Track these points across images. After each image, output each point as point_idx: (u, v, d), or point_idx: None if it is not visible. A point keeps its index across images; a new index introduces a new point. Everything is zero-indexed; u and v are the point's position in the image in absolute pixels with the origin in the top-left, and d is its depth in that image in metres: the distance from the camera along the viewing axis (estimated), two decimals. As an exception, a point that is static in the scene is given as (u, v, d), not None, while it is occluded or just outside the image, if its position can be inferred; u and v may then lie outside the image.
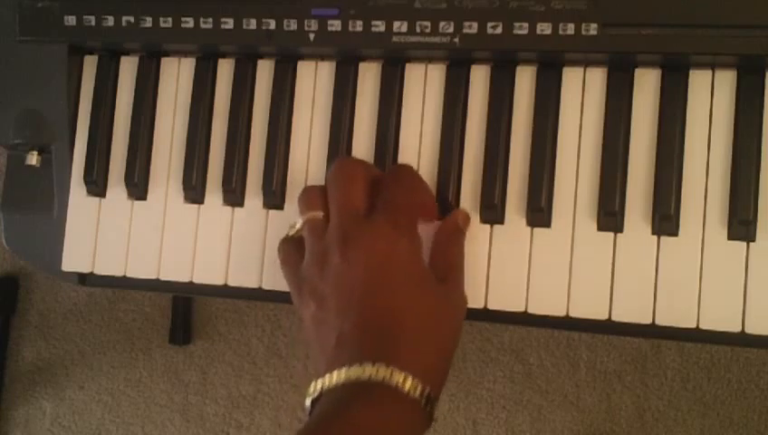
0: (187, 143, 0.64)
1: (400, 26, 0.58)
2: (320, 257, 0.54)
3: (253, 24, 0.61)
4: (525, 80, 0.58)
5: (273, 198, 0.62)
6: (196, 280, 0.63)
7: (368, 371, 0.48)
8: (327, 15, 0.59)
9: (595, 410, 1.04)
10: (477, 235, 0.58)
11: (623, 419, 1.03)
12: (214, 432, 1.16)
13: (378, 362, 0.49)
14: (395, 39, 0.58)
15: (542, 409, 1.05)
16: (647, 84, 0.56)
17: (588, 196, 0.57)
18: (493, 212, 0.58)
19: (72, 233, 0.65)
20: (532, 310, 0.57)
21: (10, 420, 1.23)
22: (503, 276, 0.57)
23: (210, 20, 0.61)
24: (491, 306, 0.57)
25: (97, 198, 0.65)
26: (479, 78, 0.59)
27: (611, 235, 0.56)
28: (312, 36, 0.60)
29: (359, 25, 0.59)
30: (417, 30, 0.58)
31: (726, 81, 0.55)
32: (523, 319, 0.57)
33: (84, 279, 0.66)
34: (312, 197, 0.57)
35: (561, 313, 0.56)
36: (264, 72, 0.63)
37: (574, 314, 0.56)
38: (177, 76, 0.65)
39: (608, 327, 0.56)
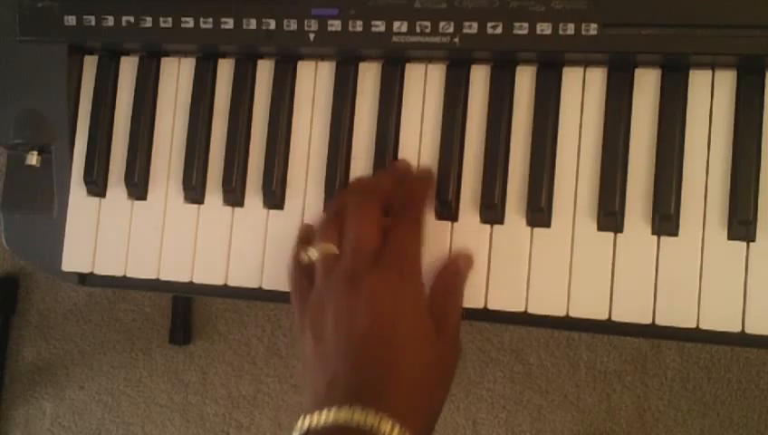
0: (187, 143, 0.64)
1: (400, 26, 0.58)
2: (325, 294, 0.55)
3: (253, 24, 0.61)
4: (525, 80, 0.58)
5: (273, 198, 0.62)
6: (196, 280, 0.63)
7: (357, 416, 0.48)
8: (327, 15, 0.59)
9: (595, 410, 1.04)
10: (477, 235, 0.58)
11: (623, 419, 1.03)
12: (214, 432, 1.16)
13: (367, 408, 0.49)
14: (395, 39, 0.58)
15: (542, 409, 1.05)
16: (647, 84, 0.56)
17: (588, 196, 0.57)
18: (493, 212, 0.58)
19: (71, 233, 0.65)
20: (532, 310, 0.57)
21: (10, 420, 1.23)
22: (503, 276, 0.57)
23: (210, 20, 0.61)
24: (491, 306, 0.57)
25: (97, 198, 0.65)
26: (479, 78, 0.59)
27: (611, 235, 0.56)
28: (311, 36, 0.60)
29: (359, 25, 0.59)
30: (417, 30, 0.58)
31: (726, 81, 0.55)
32: (523, 319, 0.57)
33: (84, 279, 0.66)
34: (329, 228, 0.57)
35: (561, 313, 0.56)
36: (264, 72, 0.63)
37: (574, 314, 0.56)
38: (177, 76, 0.65)
39: (608, 327, 0.56)
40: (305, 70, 0.62)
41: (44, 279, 1.22)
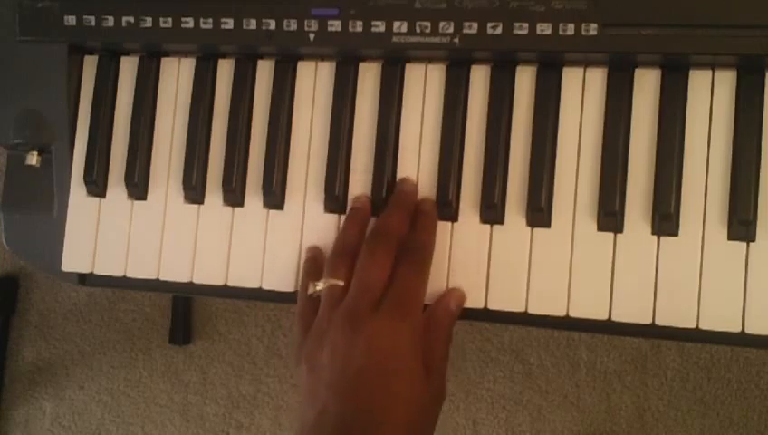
0: (187, 143, 0.64)
1: (400, 26, 0.58)
2: (326, 328, 0.55)
3: (253, 24, 0.61)
4: (525, 80, 0.58)
5: (273, 198, 0.62)
6: (196, 280, 0.63)
7: None
8: (327, 15, 0.59)
9: (595, 410, 1.04)
10: (477, 235, 0.58)
11: (623, 419, 1.03)
12: (214, 432, 1.16)
13: None
14: (395, 39, 0.58)
15: (542, 409, 1.05)
16: (647, 84, 0.56)
17: (588, 196, 0.57)
18: (493, 212, 0.58)
19: (71, 233, 0.65)
20: (532, 310, 0.57)
21: (10, 420, 1.23)
22: (503, 276, 0.57)
23: (210, 20, 0.61)
24: (491, 306, 0.57)
25: (97, 198, 0.65)
26: (479, 78, 0.59)
27: (611, 235, 0.56)
28: (311, 36, 0.60)
29: (359, 25, 0.59)
30: (417, 30, 0.58)
31: (726, 80, 0.55)
32: (523, 319, 0.57)
33: (84, 279, 0.66)
34: (339, 264, 0.58)
35: (561, 313, 0.56)
36: (264, 72, 0.63)
37: (574, 314, 0.56)
38: (177, 76, 0.65)
39: (608, 327, 0.56)
40: (305, 70, 0.62)
41: (44, 279, 1.22)
